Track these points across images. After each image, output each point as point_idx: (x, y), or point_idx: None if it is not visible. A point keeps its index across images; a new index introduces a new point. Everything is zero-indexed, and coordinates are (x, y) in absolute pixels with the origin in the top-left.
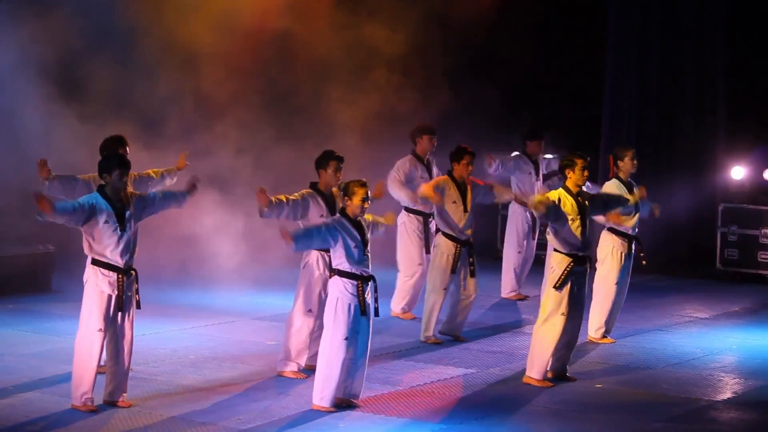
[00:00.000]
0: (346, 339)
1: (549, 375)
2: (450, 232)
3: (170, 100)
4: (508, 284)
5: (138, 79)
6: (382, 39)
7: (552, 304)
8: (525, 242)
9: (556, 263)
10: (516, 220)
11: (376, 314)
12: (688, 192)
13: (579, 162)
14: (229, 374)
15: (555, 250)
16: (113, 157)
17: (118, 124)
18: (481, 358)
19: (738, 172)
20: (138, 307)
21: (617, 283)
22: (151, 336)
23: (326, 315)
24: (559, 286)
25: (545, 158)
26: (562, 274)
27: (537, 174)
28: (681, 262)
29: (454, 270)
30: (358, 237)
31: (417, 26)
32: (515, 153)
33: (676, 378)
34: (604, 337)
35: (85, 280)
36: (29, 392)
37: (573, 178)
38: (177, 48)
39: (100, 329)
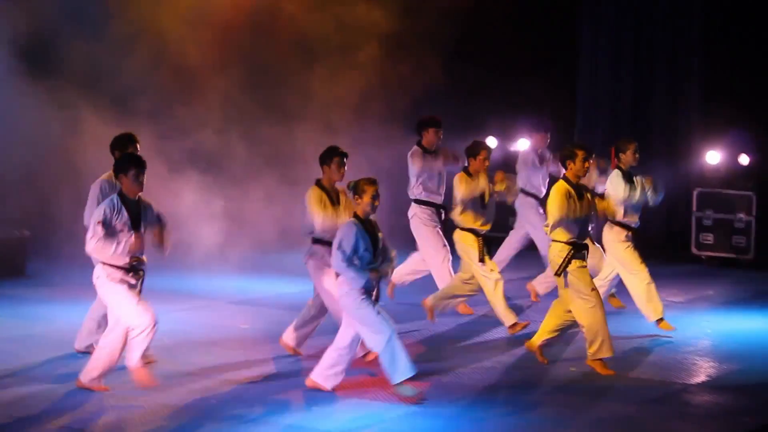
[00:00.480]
0: (379, 314)
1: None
2: (468, 227)
3: (148, 76)
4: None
5: (113, 55)
6: (370, 15)
7: (578, 287)
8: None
9: (557, 252)
10: (527, 210)
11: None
12: (663, 176)
13: (580, 153)
14: (202, 358)
15: (554, 240)
16: (128, 157)
17: (91, 99)
18: (454, 344)
19: (713, 157)
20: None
21: (643, 262)
22: None
23: (347, 314)
24: (559, 273)
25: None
26: (562, 263)
27: (542, 165)
28: (656, 246)
29: (482, 259)
30: (369, 240)
31: (406, 2)
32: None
33: (650, 361)
34: (661, 320)
35: (95, 278)
36: (6, 378)
37: (573, 169)
38: (156, 24)
39: (138, 302)
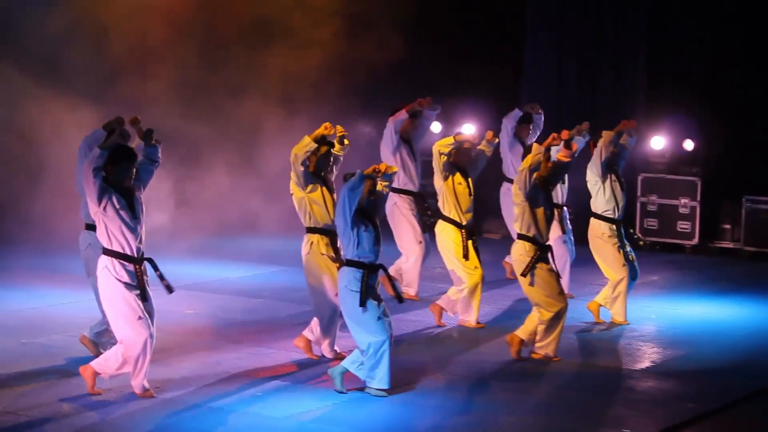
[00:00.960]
0: (379, 319)
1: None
2: (452, 217)
3: (99, 52)
4: None
5: (62, 30)
6: None
7: (545, 287)
8: None
9: (525, 251)
10: (509, 200)
11: (400, 300)
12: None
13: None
14: None
15: (520, 237)
16: (119, 149)
17: (40, 77)
18: (400, 328)
19: (658, 142)
20: (170, 291)
21: (624, 264)
22: (71, 305)
23: (342, 309)
24: (525, 273)
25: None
26: (529, 262)
27: (526, 156)
28: None
29: (466, 256)
30: (371, 226)
31: None
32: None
33: (594, 347)
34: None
35: (99, 270)
36: None
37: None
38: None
39: (140, 317)
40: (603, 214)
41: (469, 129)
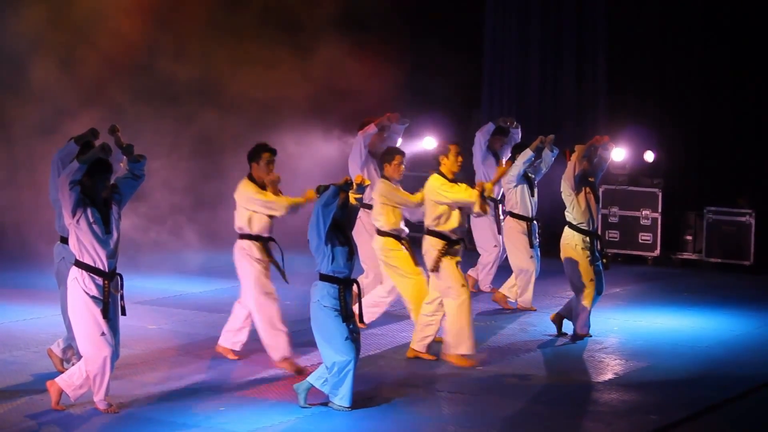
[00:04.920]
0: (347, 338)
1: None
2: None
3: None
4: (487, 279)
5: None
6: None
7: (449, 279)
8: (499, 236)
9: (431, 246)
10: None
11: (361, 320)
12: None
13: (452, 148)
14: None
15: (430, 233)
16: (95, 162)
17: None
18: (365, 341)
19: (618, 154)
20: (123, 313)
21: (592, 280)
22: (32, 321)
23: (313, 324)
24: (435, 268)
25: None
26: (437, 256)
27: (497, 164)
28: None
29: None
30: (344, 240)
31: None
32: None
33: (557, 360)
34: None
35: (69, 281)
36: None
37: (447, 164)
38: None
39: (103, 333)
40: (578, 226)
41: (430, 142)
